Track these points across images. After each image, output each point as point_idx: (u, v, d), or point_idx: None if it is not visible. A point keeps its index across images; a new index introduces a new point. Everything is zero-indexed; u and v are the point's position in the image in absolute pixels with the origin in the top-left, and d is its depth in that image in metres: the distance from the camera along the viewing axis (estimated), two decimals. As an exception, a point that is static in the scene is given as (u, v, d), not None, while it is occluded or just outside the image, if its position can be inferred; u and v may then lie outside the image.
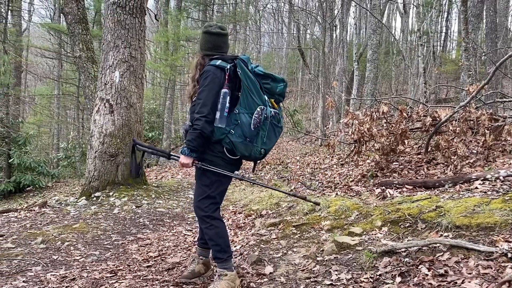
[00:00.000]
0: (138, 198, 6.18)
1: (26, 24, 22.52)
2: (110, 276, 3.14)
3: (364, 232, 3.40)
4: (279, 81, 2.91)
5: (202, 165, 2.78)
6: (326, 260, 3.05)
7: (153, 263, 3.44)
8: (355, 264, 2.86)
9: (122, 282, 3.01)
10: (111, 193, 6.24)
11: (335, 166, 6.91)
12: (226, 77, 2.69)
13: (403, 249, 2.79)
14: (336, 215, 3.98)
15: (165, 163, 14.16)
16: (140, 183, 6.86)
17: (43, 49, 19.55)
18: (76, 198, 6.51)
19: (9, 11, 13.65)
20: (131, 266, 3.36)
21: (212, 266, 3.09)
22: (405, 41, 22.78)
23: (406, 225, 3.25)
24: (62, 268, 3.33)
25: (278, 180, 7.36)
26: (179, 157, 2.80)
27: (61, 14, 19.68)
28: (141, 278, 3.09)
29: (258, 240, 3.88)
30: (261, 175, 8.65)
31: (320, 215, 4.09)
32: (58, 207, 5.90)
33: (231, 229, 4.48)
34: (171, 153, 3.03)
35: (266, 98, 2.78)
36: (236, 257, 3.47)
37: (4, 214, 5.78)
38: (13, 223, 5.20)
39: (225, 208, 5.84)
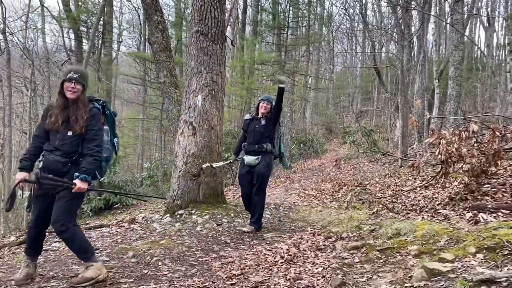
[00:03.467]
0: (218, 216, 6.36)
1: (115, 54, 24.56)
2: (197, 292, 3.25)
3: (457, 259, 3.19)
4: None
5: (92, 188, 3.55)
6: (416, 287, 2.91)
7: (236, 281, 3.50)
8: (448, 292, 2.70)
9: (208, 298, 3.10)
10: (193, 211, 6.49)
11: (418, 188, 6.60)
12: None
13: (503, 279, 2.57)
14: (424, 240, 3.79)
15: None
16: (219, 202, 7.06)
17: (130, 76, 21.12)
18: (161, 215, 6.84)
19: (103, 43, 15.00)
20: (215, 283, 3.45)
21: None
22: (490, 56, 21.37)
23: (505, 253, 3.00)
24: (152, 282, 3.51)
25: (357, 202, 7.19)
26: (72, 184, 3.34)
27: (147, 44, 21.21)
28: (226, 295, 3.17)
29: (340, 263, 3.80)
30: (338, 197, 8.50)
31: (406, 239, 3.92)
32: (145, 224, 6.24)
33: (311, 251, 4.43)
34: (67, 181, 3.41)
35: None
36: (318, 280, 3.42)
37: (98, 229, 6.25)
38: (106, 238, 5.60)
39: (304, 229, 5.81)
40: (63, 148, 3.38)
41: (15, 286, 3.37)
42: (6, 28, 16.83)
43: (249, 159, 5.62)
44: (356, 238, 4.55)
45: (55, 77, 18.33)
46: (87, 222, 9.61)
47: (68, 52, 15.49)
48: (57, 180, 3.32)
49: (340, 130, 29.24)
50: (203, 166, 6.09)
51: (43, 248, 4.89)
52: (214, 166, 6.05)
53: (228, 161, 6.50)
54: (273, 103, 5.71)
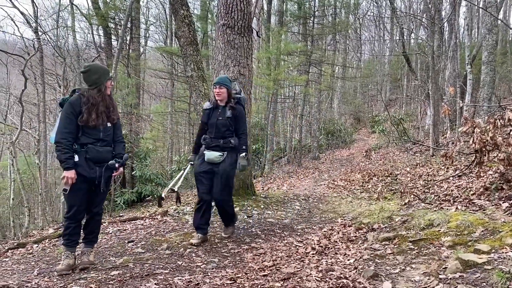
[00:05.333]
0: (248, 208, 6.43)
1: (142, 49, 24.91)
2: (230, 283, 3.31)
3: (493, 250, 3.13)
4: None
5: None
6: (450, 279, 2.87)
7: (268, 272, 3.54)
8: (484, 284, 2.66)
9: (242, 289, 3.16)
10: (223, 204, 6.57)
11: (451, 178, 6.46)
12: None
13: (543, 271, 2.52)
14: (458, 231, 3.72)
15: (269, 174, 14.50)
16: (249, 194, 7.13)
17: (158, 71, 21.40)
18: (192, 207, 6.96)
19: (131, 39, 15.24)
20: (248, 274, 3.51)
21: None
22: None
23: (545, 244, 2.93)
24: (186, 273, 3.60)
25: (388, 192, 7.11)
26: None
27: (173, 38, 21.41)
28: (258, 286, 3.22)
29: (372, 255, 3.79)
30: (368, 188, 8.42)
31: (439, 230, 3.87)
32: (177, 216, 6.38)
33: (342, 242, 4.43)
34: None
35: None
36: (350, 271, 3.43)
37: (132, 222, 6.43)
38: (140, 230, 5.76)
39: (334, 220, 5.80)
40: (107, 138, 3.78)
41: (57, 277, 3.53)
42: (39, 27, 17.33)
43: (211, 155, 4.54)
44: (388, 229, 4.52)
45: (86, 73, 18.72)
46: (121, 214, 9.89)
47: (98, 49, 15.82)
48: (110, 168, 3.82)
49: (368, 119, 28.80)
50: (163, 195, 5.04)
51: (81, 240, 5.10)
52: (176, 189, 4.84)
53: (188, 167, 4.91)
54: (230, 86, 4.65)
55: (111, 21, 15.21)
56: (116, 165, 3.80)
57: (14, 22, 39.38)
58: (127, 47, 14.36)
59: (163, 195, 4.99)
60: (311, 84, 18.73)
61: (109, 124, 3.78)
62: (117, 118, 3.91)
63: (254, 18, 18.26)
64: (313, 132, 19.17)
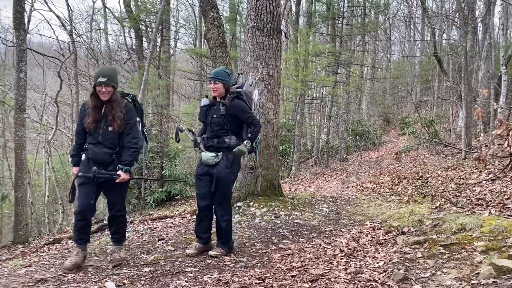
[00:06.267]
0: (276, 209, 6.46)
1: (172, 51, 25.33)
2: (259, 283, 3.35)
3: (529, 257, 3.05)
4: None
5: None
6: (483, 284, 2.83)
7: (297, 273, 3.57)
8: (519, 291, 2.60)
9: (270, 289, 3.20)
10: (251, 204, 6.64)
11: (484, 182, 6.30)
12: None
13: None
14: (491, 236, 3.64)
15: (296, 175, 14.49)
16: (276, 195, 7.16)
17: (187, 72, 21.72)
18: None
19: (162, 41, 15.54)
20: (276, 275, 3.54)
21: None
22: None
23: None
24: (215, 272, 3.66)
25: (418, 195, 6.99)
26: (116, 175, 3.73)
27: (202, 40, 21.67)
28: (287, 287, 3.24)
29: (402, 258, 3.76)
30: (398, 191, 8.30)
31: (472, 235, 3.79)
32: (206, 215, 6.46)
33: (371, 245, 4.40)
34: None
35: None
36: (379, 274, 3.41)
37: (162, 220, 6.57)
38: (170, 228, 5.88)
39: (362, 223, 5.76)
40: (106, 142, 3.78)
41: (92, 271, 3.66)
42: (73, 30, 17.92)
43: (205, 156, 4.18)
44: (418, 232, 4.46)
45: (118, 74, 19.24)
46: (151, 213, 10.10)
47: (130, 50, 16.22)
48: (107, 173, 3.74)
49: (398, 121, 28.31)
50: (181, 126, 4.41)
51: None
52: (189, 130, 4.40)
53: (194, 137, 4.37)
54: (228, 80, 4.21)
55: (142, 23, 15.56)
56: (119, 171, 3.72)
57: (50, 25, 40.75)
58: (158, 49, 14.65)
59: (182, 127, 4.41)
60: (339, 85, 18.58)
61: (110, 129, 3.75)
62: (124, 124, 3.76)
63: (283, 19, 18.27)
64: (341, 133, 19.00)
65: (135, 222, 6.76)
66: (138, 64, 14.59)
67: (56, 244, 6.15)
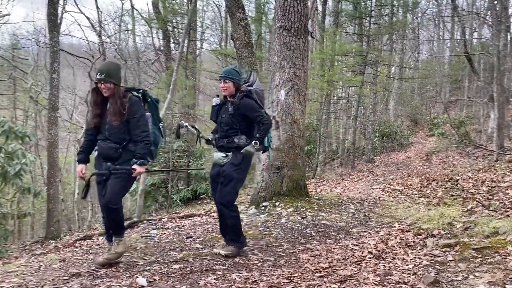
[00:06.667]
0: (302, 209, 6.44)
1: (198, 51, 25.58)
2: (287, 282, 3.35)
3: None
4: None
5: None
6: (518, 290, 2.75)
7: (325, 273, 3.55)
8: (557, 297, 2.52)
9: (298, 289, 3.20)
10: (277, 204, 6.64)
11: (518, 184, 6.12)
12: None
13: None
14: (527, 240, 3.54)
15: (322, 175, 14.39)
16: (302, 195, 7.14)
17: (213, 72, 21.89)
18: (246, 206, 7.09)
19: (189, 41, 15.74)
20: (304, 275, 3.54)
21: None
22: None
23: None
24: (244, 270, 3.69)
25: (448, 198, 6.84)
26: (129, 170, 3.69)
27: (228, 40, 21.80)
28: (315, 287, 3.24)
29: (432, 261, 3.70)
30: (427, 193, 8.14)
31: (505, 238, 3.70)
32: (232, 215, 6.50)
33: (400, 247, 4.34)
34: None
35: None
36: (409, 276, 3.37)
37: (189, 218, 6.66)
38: (197, 226, 5.95)
39: (391, 225, 5.68)
40: (112, 137, 3.75)
41: (123, 267, 3.75)
42: (102, 31, 18.35)
43: (216, 156, 4.18)
44: (449, 235, 4.37)
45: (145, 75, 19.62)
46: (177, 211, 10.24)
47: (157, 51, 16.47)
48: (123, 168, 3.71)
49: (426, 121, 27.70)
50: (183, 122, 4.42)
51: (143, 235, 5.36)
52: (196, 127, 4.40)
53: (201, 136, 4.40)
54: (239, 78, 4.12)
55: (170, 24, 15.78)
56: (134, 165, 3.68)
57: (80, 27, 41.85)
58: (186, 50, 14.85)
59: (184, 123, 4.38)
60: (366, 85, 18.34)
61: (114, 124, 3.70)
62: (130, 118, 3.71)
63: (310, 19, 18.18)
64: (367, 134, 18.74)
65: (163, 219, 6.87)
66: (165, 65, 14.80)
67: (87, 240, 6.32)
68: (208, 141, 4.33)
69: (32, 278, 3.54)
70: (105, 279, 3.40)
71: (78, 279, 3.40)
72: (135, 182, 3.86)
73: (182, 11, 15.37)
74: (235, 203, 4.13)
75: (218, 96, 4.30)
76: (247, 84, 4.18)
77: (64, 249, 6.04)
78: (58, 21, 12.35)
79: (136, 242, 4.94)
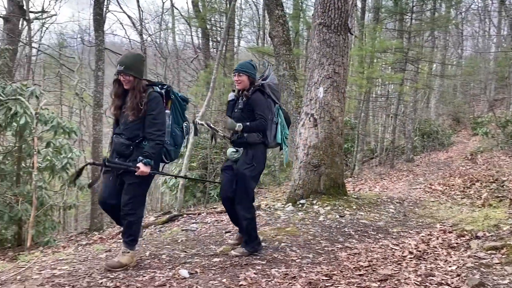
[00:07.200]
0: (340, 208, 6.40)
1: (235, 49, 25.77)
2: (326, 279, 3.36)
3: None
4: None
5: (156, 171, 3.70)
6: None
7: (364, 272, 3.53)
8: None
9: (338, 287, 3.20)
10: (314, 201, 6.63)
11: None
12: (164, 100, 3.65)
13: None
14: None
15: (360, 174, 14.19)
16: (340, 194, 7.08)
17: (249, 70, 22.01)
18: (283, 204, 7.11)
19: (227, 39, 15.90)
20: (343, 273, 3.53)
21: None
22: None
23: None
24: (282, 266, 3.73)
25: (493, 199, 6.60)
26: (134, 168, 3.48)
27: (265, 38, 21.81)
28: (355, 285, 3.23)
29: (476, 263, 3.60)
30: (470, 194, 7.88)
31: (557, 243, 3.54)
32: (269, 211, 6.56)
33: (442, 248, 4.24)
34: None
35: None
36: (452, 278, 3.30)
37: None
38: (235, 222, 6.03)
39: (432, 226, 5.56)
40: (125, 132, 3.58)
41: (166, 259, 3.87)
42: (143, 30, 18.84)
43: (228, 151, 4.19)
44: (495, 238, 4.23)
45: (185, 72, 19.98)
46: (214, 206, 10.40)
47: (197, 49, 16.75)
48: (122, 164, 3.55)
49: (469, 120, 26.71)
50: (198, 120, 4.59)
51: (184, 228, 5.50)
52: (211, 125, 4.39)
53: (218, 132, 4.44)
54: (254, 72, 4.08)
55: (209, 22, 15.99)
56: (138, 164, 3.46)
57: (122, 26, 43.12)
58: (224, 48, 15.02)
59: (198, 121, 4.44)
60: (406, 82, 17.90)
61: (130, 119, 3.54)
62: (147, 115, 3.54)
63: (350, 16, 17.93)
64: (408, 132, 18.28)
65: (202, 214, 7.01)
66: (204, 63, 15.03)
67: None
68: (224, 137, 4.37)
69: (81, 266, 3.72)
70: (149, 270, 3.52)
71: (124, 269, 3.54)
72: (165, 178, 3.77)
73: (221, 10, 15.54)
74: (252, 204, 4.15)
75: (234, 91, 4.28)
76: (262, 78, 4.16)
77: (108, 240, 6.29)
78: (103, 20, 12.81)
79: (177, 235, 5.07)
